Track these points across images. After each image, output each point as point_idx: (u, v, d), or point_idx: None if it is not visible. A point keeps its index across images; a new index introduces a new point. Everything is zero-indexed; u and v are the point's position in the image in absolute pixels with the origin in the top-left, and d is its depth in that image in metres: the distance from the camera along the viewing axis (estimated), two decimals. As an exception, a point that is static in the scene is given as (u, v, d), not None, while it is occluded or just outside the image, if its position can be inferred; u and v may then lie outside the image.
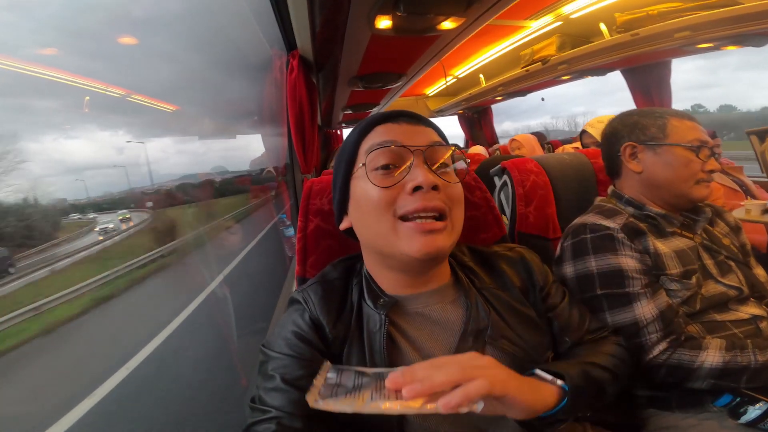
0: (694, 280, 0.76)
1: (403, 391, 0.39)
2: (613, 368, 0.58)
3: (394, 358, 0.55)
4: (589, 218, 0.82)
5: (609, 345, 0.64)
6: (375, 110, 3.93)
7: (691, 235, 0.82)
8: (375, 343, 0.55)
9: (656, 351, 0.70)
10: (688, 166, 0.80)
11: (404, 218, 0.54)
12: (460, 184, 0.59)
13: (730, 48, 2.38)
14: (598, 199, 0.93)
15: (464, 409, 0.38)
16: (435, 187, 0.53)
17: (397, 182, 0.55)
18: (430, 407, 0.38)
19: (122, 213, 5.79)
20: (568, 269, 0.80)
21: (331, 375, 0.46)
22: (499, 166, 1.07)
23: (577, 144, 2.46)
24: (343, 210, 0.63)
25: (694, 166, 0.80)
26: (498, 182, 1.10)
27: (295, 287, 0.90)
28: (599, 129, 1.68)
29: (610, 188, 0.93)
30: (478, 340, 0.56)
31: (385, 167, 0.56)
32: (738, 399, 0.67)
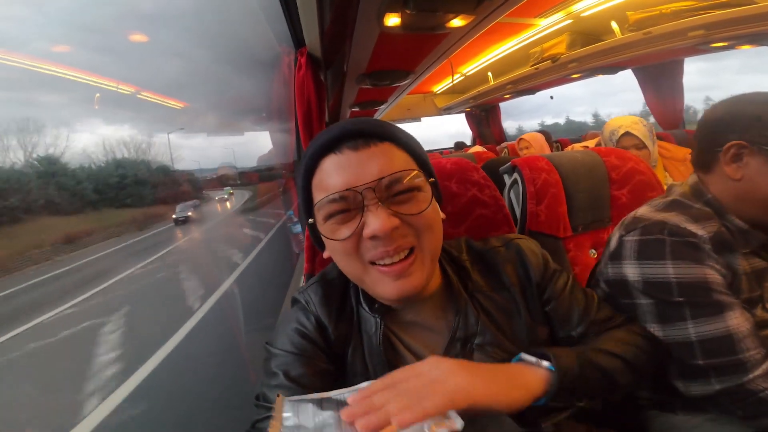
0: (758, 309, 0.65)
1: (357, 426, 0.36)
2: (625, 355, 0.53)
3: (392, 360, 0.54)
4: (671, 217, 0.67)
5: (622, 332, 0.59)
6: (382, 108, 3.92)
7: (758, 260, 0.68)
8: (373, 345, 0.55)
9: (759, 372, 0.58)
10: None
11: (372, 262, 0.51)
12: (429, 208, 0.52)
13: (745, 47, 2.34)
14: (676, 185, 0.77)
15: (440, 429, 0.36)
16: (395, 228, 0.49)
17: (354, 230, 0.50)
18: None
19: (227, 190, 12.46)
20: (631, 270, 0.68)
21: (288, 414, 0.40)
22: (510, 163, 1.06)
23: (587, 143, 2.43)
24: (320, 245, 0.59)
25: None
26: (508, 180, 1.09)
27: (303, 283, 0.90)
28: (642, 130, 1.49)
29: (692, 177, 0.75)
30: (466, 347, 0.55)
31: (339, 212, 0.51)
32: None
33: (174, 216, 7.71)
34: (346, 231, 0.51)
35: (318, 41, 1.56)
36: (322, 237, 0.54)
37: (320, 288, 0.60)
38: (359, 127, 0.53)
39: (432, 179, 0.56)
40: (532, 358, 0.48)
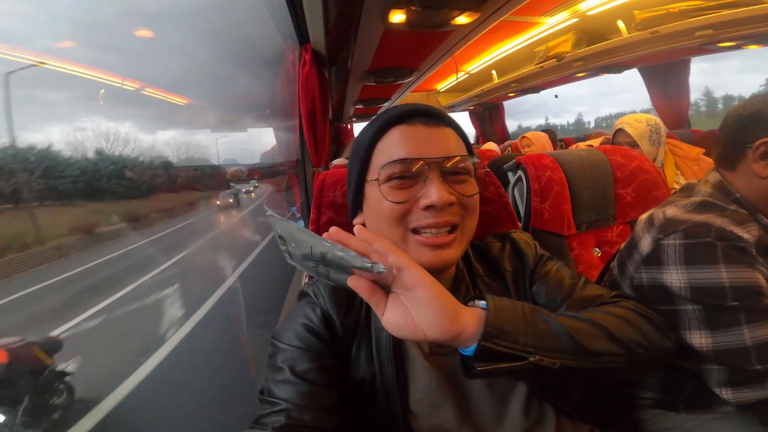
0: None
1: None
2: (600, 321, 0.49)
3: (399, 355, 0.55)
4: (715, 220, 0.64)
5: (608, 306, 0.55)
6: (386, 105, 3.91)
7: None
8: (382, 339, 0.55)
9: None
10: None
11: (415, 230, 0.54)
12: (477, 193, 0.57)
13: (753, 47, 2.32)
14: (694, 184, 0.75)
15: (369, 264, 0.38)
16: (450, 204, 0.53)
17: (410, 197, 0.53)
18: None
19: (253, 182, 11.65)
20: (676, 275, 0.64)
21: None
22: (514, 161, 1.06)
23: (592, 142, 2.42)
24: (357, 207, 0.62)
25: None
26: (512, 178, 1.09)
27: (305, 278, 0.90)
28: (638, 129, 1.52)
29: (713, 175, 0.73)
30: None
31: (400, 177, 0.54)
32: None
33: (219, 201, 10.45)
34: (403, 195, 0.54)
35: (323, 38, 1.56)
36: (378, 195, 0.55)
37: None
38: (431, 109, 0.58)
39: (485, 170, 0.61)
40: (471, 301, 0.46)
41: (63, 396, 2.22)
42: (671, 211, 0.68)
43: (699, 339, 0.62)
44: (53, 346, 2.32)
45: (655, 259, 0.66)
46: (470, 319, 0.42)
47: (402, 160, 0.54)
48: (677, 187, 1.17)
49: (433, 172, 0.53)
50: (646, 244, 0.68)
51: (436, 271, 0.53)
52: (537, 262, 0.63)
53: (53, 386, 2.18)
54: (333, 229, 0.42)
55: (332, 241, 0.41)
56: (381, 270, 0.38)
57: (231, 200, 10.45)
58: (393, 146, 0.56)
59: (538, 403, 0.56)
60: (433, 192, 0.52)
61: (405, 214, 0.54)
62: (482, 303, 0.45)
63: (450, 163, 0.54)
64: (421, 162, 0.53)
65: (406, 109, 0.57)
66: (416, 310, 0.41)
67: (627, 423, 0.76)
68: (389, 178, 0.54)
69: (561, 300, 0.58)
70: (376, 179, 0.55)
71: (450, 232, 0.54)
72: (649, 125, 1.52)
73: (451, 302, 0.42)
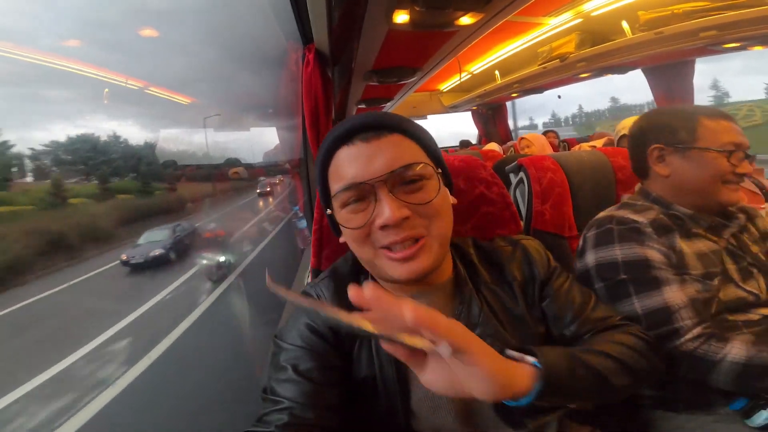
0: (716, 281, 0.73)
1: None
2: (620, 356, 0.51)
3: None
4: (617, 212, 0.80)
5: (619, 334, 0.57)
6: (388, 105, 3.91)
7: (716, 239, 0.78)
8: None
9: (689, 336, 0.66)
10: (717, 170, 0.76)
11: (383, 247, 0.53)
12: (439, 195, 0.54)
13: (758, 48, 2.31)
14: (626, 196, 0.91)
15: (428, 344, 0.35)
16: (405, 218, 0.51)
17: (367, 220, 0.52)
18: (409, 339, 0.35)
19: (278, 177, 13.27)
20: (590, 258, 0.77)
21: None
22: (516, 162, 1.06)
23: (595, 143, 2.42)
24: (336, 228, 0.61)
25: (724, 169, 0.76)
26: (514, 179, 1.09)
27: (308, 278, 0.91)
28: None
29: (638, 186, 0.90)
30: None
31: (355, 201, 0.53)
32: (752, 402, 0.66)
33: (258, 190, 12.87)
34: (359, 220, 0.53)
35: (326, 38, 1.56)
36: (339, 220, 0.56)
37: (332, 283, 0.60)
38: (371, 120, 0.55)
39: (440, 169, 0.57)
40: (516, 353, 0.45)
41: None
42: (599, 214, 0.84)
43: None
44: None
45: (582, 250, 0.81)
46: (522, 382, 0.41)
47: (345, 189, 0.53)
48: None
49: (380, 190, 0.51)
50: (581, 241, 0.83)
51: (417, 280, 0.53)
52: (549, 274, 0.62)
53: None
54: (372, 293, 0.36)
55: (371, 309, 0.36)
56: (436, 350, 0.36)
57: (268, 189, 13.18)
58: (338, 172, 0.55)
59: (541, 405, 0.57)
60: (385, 210, 0.50)
61: (367, 235, 0.53)
62: (529, 358, 0.44)
63: (395, 175, 0.52)
64: (363, 184, 0.52)
65: (345, 128, 0.55)
66: (467, 378, 0.38)
67: (628, 424, 0.77)
68: (344, 205, 0.54)
69: (571, 319, 0.59)
70: (332, 211, 0.56)
71: (417, 240, 0.52)
72: None
73: (506, 370, 0.41)
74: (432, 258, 0.53)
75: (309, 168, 2.27)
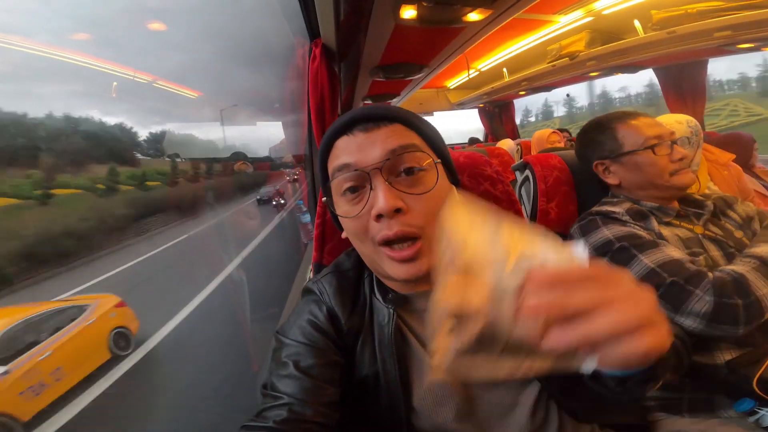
0: (702, 260, 0.74)
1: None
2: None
3: (402, 353, 0.55)
4: (595, 208, 0.88)
5: None
6: (395, 101, 3.90)
7: (690, 226, 0.81)
8: (384, 337, 0.55)
9: (706, 279, 0.66)
10: (655, 165, 0.81)
11: (383, 245, 0.52)
12: (437, 188, 0.52)
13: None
14: (603, 200, 0.95)
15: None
16: (398, 210, 0.49)
17: (363, 209, 0.52)
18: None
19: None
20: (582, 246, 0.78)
21: None
22: (522, 160, 1.05)
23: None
24: (339, 224, 0.61)
25: (661, 162, 0.81)
26: (519, 177, 1.08)
27: (310, 273, 0.91)
28: (679, 130, 1.32)
29: (610, 192, 0.95)
30: None
31: (352, 190, 0.53)
32: (756, 404, 0.65)
33: (287, 177, 16.33)
34: (355, 209, 0.53)
35: (333, 33, 1.55)
36: (340, 213, 0.56)
37: (334, 278, 0.60)
38: (371, 111, 0.55)
39: (443, 162, 0.56)
40: None
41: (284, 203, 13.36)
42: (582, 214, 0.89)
43: None
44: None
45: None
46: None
47: (340, 169, 0.53)
48: (708, 192, 1.14)
49: (376, 178, 0.51)
50: (569, 237, 0.89)
51: (417, 281, 0.52)
52: None
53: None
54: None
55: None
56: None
57: (296, 176, 16.31)
58: (339, 160, 0.54)
59: (545, 403, 0.56)
60: (379, 198, 0.50)
61: (365, 227, 0.52)
62: None
63: (391, 163, 0.51)
64: (360, 171, 0.51)
65: (344, 121, 0.56)
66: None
67: (630, 425, 0.76)
68: (341, 192, 0.54)
69: None
70: (332, 201, 0.56)
71: (412, 244, 0.50)
72: (689, 126, 1.41)
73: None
74: (432, 260, 0.52)
75: (314, 162, 2.27)
